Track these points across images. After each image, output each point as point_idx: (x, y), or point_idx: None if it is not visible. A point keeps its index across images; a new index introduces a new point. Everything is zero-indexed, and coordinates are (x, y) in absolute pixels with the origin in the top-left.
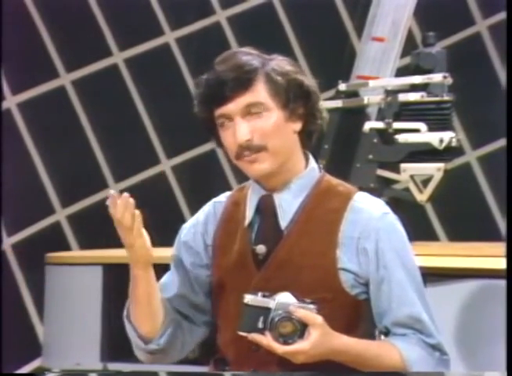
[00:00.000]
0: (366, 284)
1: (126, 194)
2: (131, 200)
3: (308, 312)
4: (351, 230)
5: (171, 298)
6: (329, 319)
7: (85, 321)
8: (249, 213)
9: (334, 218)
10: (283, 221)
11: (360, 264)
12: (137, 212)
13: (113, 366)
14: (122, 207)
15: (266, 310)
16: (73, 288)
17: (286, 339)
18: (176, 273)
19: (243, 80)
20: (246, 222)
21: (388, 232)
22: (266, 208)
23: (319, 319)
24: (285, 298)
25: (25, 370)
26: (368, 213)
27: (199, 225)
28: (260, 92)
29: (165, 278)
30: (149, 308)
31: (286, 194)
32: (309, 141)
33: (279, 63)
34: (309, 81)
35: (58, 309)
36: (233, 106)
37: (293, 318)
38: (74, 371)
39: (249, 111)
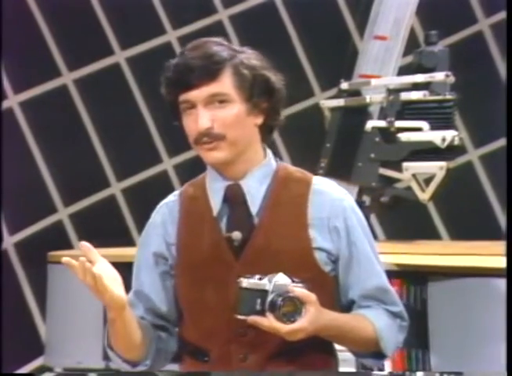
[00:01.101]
0: (335, 261)
1: (82, 258)
2: (88, 265)
3: (304, 291)
4: (319, 211)
5: (143, 315)
6: None
7: (87, 320)
8: (216, 203)
9: (300, 201)
10: (253, 207)
11: (333, 241)
12: (97, 273)
13: (115, 365)
14: (81, 271)
15: (263, 292)
16: (75, 287)
17: (288, 318)
18: (142, 287)
19: (211, 69)
20: (215, 212)
21: (353, 211)
22: (234, 196)
23: (314, 296)
24: (280, 279)
25: (27, 368)
26: (331, 195)
27: (157, 227)
28: (225, 83)
29: (131, 296)
30: (130, 340)
31: (252, 181)
32: (269, 135)
33: (248, 56)
34: (276, 77)
35: (60, 307)
36: (197, 94)
37: (294, 297)
38: (76, 370)
39: (212, 100)
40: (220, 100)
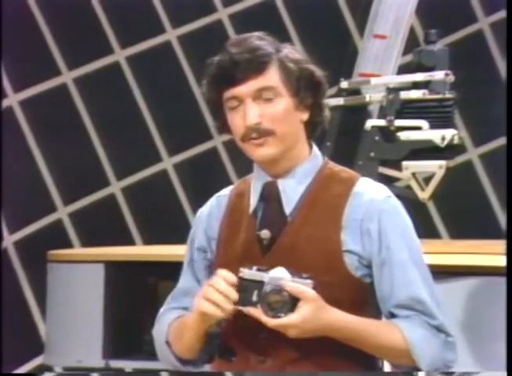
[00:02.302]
0: (369, 266)
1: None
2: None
3: (298, 286)
4: (355, 213)
5: (184, 312)
6: (335, 303)
7: (87, 319)
8: (253, 200)
9: (338, 202)
10: (288, 207)
11: (364, 245)
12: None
13: (115, 364)
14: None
15: (260, 284)
16: (75, 286)
17: (275, 313)
18: (193, 276)
19: (257, 63)
20: (251, 209)
21: (391, 213)
22: (270, 194)
23: (311, 293)
24: (278, 271)
25: (27, 367)
26: (371, 196)
27: (201, 220)
28: (273, 77)
29: (186, 283)
30: (193, 349)
31: (290, 180)
32: (314, 132)
33: (292, 50)
34: (319, 72)
35: (60, 306)
36: (245, 89)
37: (283, 291)
38: (76, 369)
39: (260, 95)
40: (267, 96)
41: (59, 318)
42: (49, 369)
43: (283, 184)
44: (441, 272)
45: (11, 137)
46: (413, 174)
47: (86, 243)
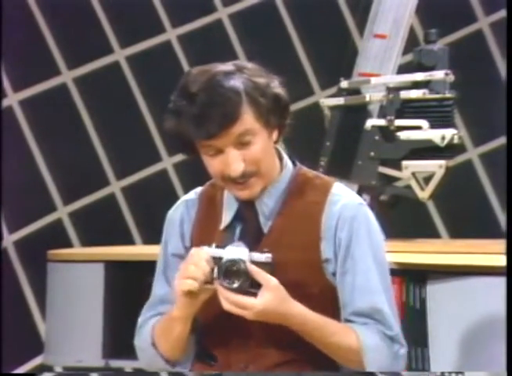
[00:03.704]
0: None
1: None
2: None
3: (261, 271)
4: (330, 221)
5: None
6: (319, 313)
7: (87, 318)
8: (226, 217)
9: (315, 211)
10: (265, 226)
11: (335, 252)
12: None
13: (115, 364)
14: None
15: (219, 259)
16: (75, 286)
17: (229, 282)
18: (167, 282)
19: (232, 114)
20: (222, 226)
21: (361, 221)
22: (248, 215)
23: (273, 280)
24: (236, 247)
25: (27, 367)
26: (343, 203)
27: (174, 226)
28: (247, 120)
29: (161, 290)
30: (183, 342)
31: (268, 200)
32: (278, 142)
33: (255, 73)
34: (280, 89)
35: (60, 306)
36: (223, 141)
37: (239, 262)
38: (76, 368)
39: (238, 140)
40: (245, 139)
41: (58, 318)
42: (49, 369)
43: (260, 206)
44: (440, 272)
45: (11, 137)
46: (413, 173)
47: (86, 242)
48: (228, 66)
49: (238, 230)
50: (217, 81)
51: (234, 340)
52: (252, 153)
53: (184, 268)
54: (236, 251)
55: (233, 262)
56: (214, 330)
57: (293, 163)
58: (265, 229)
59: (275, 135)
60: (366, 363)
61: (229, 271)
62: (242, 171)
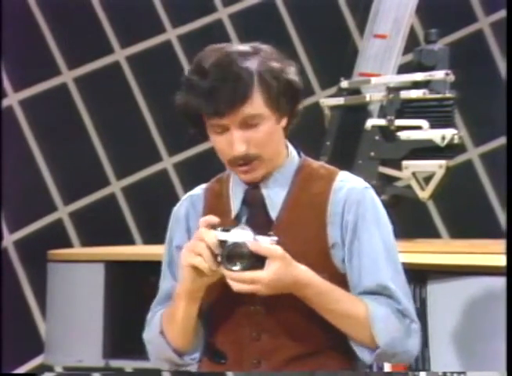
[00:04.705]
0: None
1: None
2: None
3: (264, 244)
4: (337, 207)
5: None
6: None
7: (87, 318)
8: (234, 206)
9: (320, 200)
10: (273, 211)
11: (343, 236)
12: None
13: (115, 363)
14: None
15: (224, 242)
16: (76, 285)
17: (232, 264)
18: (174, 277)
19: (242, 93)
20: (233, 214)
21: (367, 205)
22: (254, 201)
23: (278, 249)
24: (241, 230)
25: (27, 367)
26: (348, 188)
27: (180, 221)
28: (257, 104)
29: (168, 285)
30: (190, 324)
31: (273, 185)
32: (288, 130)
33: (270, 56)
34: (295, 76)
35: (60, 306)
36: (230, 119)
37: (243, 246)
38: (76, 368)
39: (245, 122)
40: (252, 122)
41: (59, 317)
42: (49, 368)
43: (266, 190)
44: (441, 272)
45: (11, 137)
46: (413, 173)
47: (86, 242)
48: (244, 47)
49: (245, 219)
50: (231, 60)
51: (246, 334)
52: (257, 136)
53: (192, 243)
54: (241, 234)
55: (236, 244)
56: (224, 325)
57: (299, 154)
58: (274, 220)
59: (284, 121)
60: (376, 334)
61: (233, 254)
62: (244, 152)
